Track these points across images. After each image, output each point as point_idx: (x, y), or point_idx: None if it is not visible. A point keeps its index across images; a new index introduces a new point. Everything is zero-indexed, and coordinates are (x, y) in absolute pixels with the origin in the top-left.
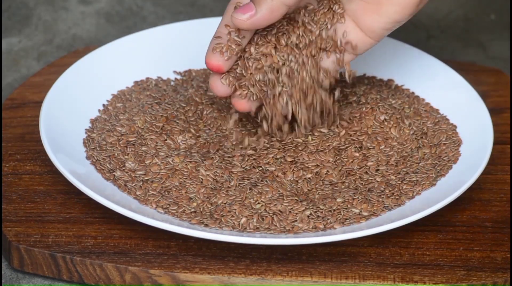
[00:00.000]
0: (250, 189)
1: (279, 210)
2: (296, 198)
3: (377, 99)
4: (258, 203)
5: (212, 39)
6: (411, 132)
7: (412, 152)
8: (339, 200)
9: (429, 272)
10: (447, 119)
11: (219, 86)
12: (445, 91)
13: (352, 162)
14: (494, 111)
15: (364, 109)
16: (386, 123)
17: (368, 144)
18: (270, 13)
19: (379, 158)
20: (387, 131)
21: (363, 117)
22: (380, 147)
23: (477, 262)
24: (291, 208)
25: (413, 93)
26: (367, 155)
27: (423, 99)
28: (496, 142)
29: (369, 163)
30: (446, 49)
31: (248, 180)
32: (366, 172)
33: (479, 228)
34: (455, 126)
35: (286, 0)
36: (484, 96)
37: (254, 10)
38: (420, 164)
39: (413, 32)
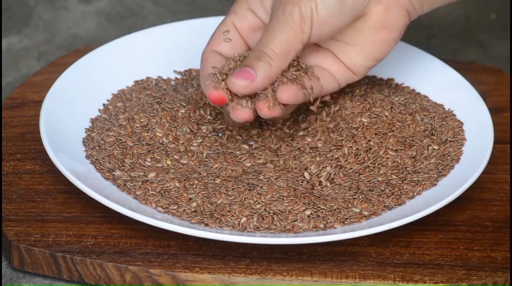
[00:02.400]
0: (249, 190)
1: (279, 210)
2: (296, 199)
3: (380, 97)
4: (258, 203)
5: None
6: (422, 129)
7: (422, 149)
8: (339, 199)
9: (430, 271)
10: (454, 115)
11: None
12: (446, 90)
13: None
14: (494, 111)
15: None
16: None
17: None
18: (270, 78)
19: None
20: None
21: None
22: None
23: (478, 261)
24: (291, 208)
25: (413, 90)
26: (372, 152)
27: (425, 96)
28: (496, 142)
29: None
30: (447, 49)
31: (244, 181)
32: (372, 171)
33: (479, 227)
34: (462, 123)
35: (282, 64)
36: (484, 95)
37: (254, 77)
38: (423, 164)
39: (413, 32)
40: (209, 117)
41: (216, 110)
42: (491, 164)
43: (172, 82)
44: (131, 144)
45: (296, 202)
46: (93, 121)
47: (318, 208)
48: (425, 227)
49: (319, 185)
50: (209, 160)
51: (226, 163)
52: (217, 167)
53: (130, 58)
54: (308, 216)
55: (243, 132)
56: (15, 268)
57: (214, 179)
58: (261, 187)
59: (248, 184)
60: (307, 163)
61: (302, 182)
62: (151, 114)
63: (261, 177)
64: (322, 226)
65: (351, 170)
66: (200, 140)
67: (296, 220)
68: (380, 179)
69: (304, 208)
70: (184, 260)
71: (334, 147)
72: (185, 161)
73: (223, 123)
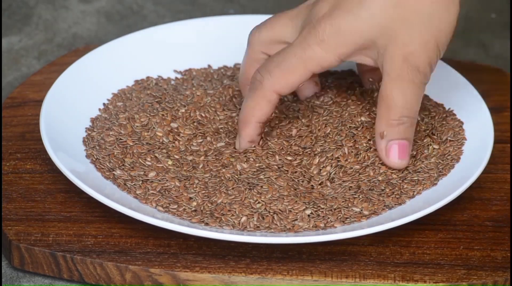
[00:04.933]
0: (249, 189)
1: (280, 209)
2: (296, 198)
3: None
4: (259, 203)
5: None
6: (423, 129)
7: (423, 149)
8: (339, 199)
9: (430, 271)
10: (454, 114)
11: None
12: (446, 90)
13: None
14: (494, 110)
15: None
16: None
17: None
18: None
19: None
20: None
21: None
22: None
23: (478, 261)
24: (292, 207)
25: None
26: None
27: (425, 95)
28: (496, 141)
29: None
30: (447, 48)
31: (245, 180)
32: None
33: (479, 227)
34: (462, 122)
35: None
36: (484, 95)
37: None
38: (424, 163)
39: None
40: (209, 116)
41: (217, 111)
42: (491, 163)
43: (172, 82)
44: (131, 144)
45: (296, 201)
46: (93, 120)
47: (318, 208)
48: (425, 226)
49: (320, 184)
50: (210, 159)
51: (226, 163)
52: (217, 167)
53: (130, 58)
54: (308, 215)
55: None
56: (15, 267)
57: (214, 179)
58: (261, 186)
59: (248, 183)
60: (307, 163)
61: (302, 181)
62: (151, 114)
63: (261, 177)
64: (322, 225)
65: (351, 169)
66: (201, 140)
67: (296, 220)
68: (380, 178)
69: (304, 207)
70: (184, 260)
71: (334, 147)
72: (185, 161)
73: (223, 122)
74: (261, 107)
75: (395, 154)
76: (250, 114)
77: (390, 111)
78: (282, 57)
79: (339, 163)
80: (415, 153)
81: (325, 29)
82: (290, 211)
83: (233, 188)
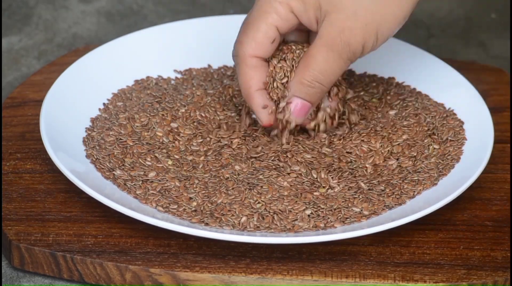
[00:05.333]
0: (249, 189)
1: (280, 209)
2: (296, 198)
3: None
4: (259, 203)
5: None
6: (425, 129)
7: (423, 149)
8: (339, 199)
9: (430, 271)
10: (455, 114)
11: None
12: (446, 90)
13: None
14: (494, 110)
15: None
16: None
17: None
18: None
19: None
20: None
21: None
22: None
23: (478, 261)
24: (292, 207)
25: (414, 89)
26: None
27: (426, 95)
28: (496, 141)
29: (390, 162)
30: (447, 48)
31: (245, 180)
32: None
33: (479, 227)
34: (462, 122)
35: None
36: (484, 95)
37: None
38: (424, 163)
39: (413, 31)
40: (209, 116)
41: (217, 111)
42: (491, 163)
43: (172, 82)
44: (131, 144)
45: (296, 201)
46: (93, 120)
47: (318, 208)
48: (425, 226)
49: (320, 184)
50: (209, 159)
51: (226, 163)
52: (217, 167)
53: (130, 58)
54: (308, 215)
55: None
56: (15, 267)
57: (214, 179)
58: (261, 186)
59: (248, 183)
60: (308, 163)
61: (302, 181)
62: (151, 114)
63: (261, 177)
64: (322, 225)
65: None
66: (201, 140)
67: (296, 220)
68: (380, 178)
69: (304, 207)
70: (184, 260)
71: (335, 146)
72: (185, 161)
73: (223, 122)
74: (251, 75)
75: (293, 109)
76: (246, 87)
77: (306, 70)
78: (245, 25)
79: (340, 163)
80: (415, 153)
81: None
82: (290, 211)
83: (233, 188)
